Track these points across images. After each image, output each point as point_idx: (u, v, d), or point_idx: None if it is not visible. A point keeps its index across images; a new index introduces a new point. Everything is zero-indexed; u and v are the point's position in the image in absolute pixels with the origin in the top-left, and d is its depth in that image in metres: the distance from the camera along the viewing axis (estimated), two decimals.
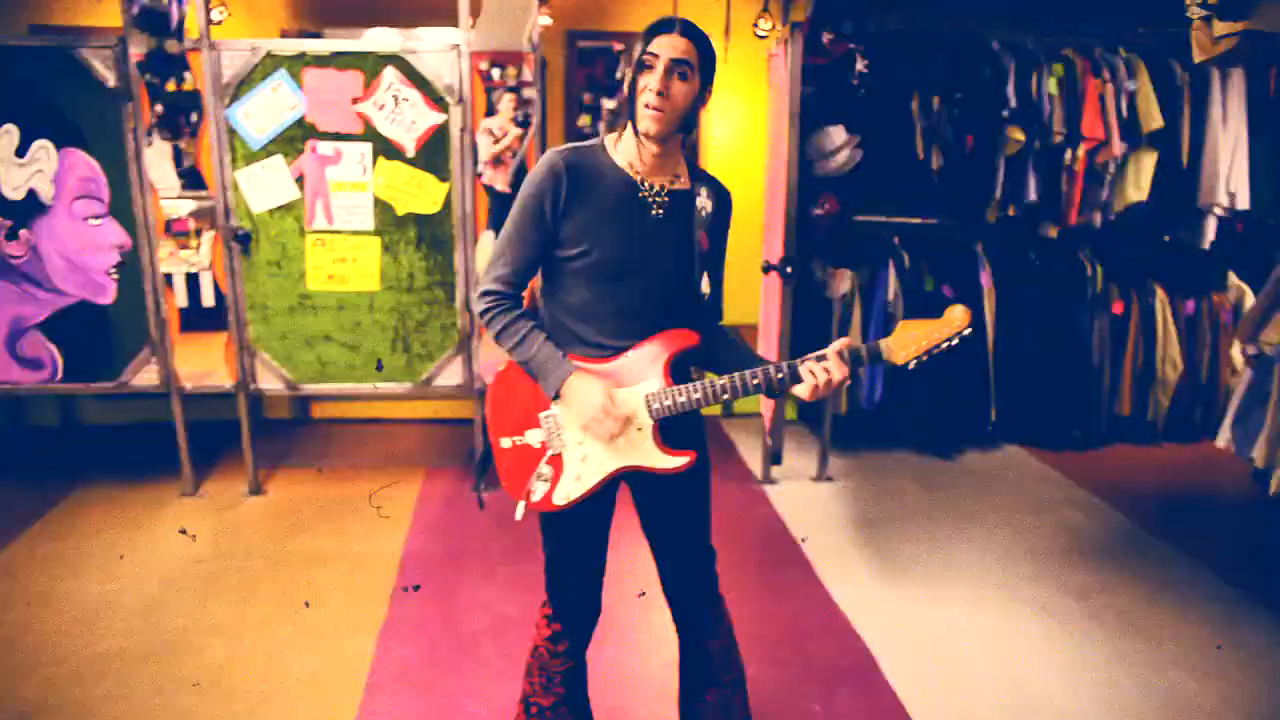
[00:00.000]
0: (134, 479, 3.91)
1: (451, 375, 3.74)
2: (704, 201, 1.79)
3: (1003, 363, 4.39)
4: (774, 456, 4.02)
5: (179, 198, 5.42)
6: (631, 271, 1.74)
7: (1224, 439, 3.32)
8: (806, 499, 3.91)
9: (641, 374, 1.74)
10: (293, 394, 3.66)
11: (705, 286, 1.81)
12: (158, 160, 5.63)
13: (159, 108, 5.74)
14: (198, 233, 4.81)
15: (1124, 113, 4.10)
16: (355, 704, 2.44)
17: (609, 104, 6.47)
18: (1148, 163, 4.20)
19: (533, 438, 1.78)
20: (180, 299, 4.85)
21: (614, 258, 1.72)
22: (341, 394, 3.70)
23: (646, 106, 1.65)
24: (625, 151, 1.75)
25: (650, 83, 1.64)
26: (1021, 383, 4.42)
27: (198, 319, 4.41)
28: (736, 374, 1.71)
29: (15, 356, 3.52)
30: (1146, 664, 2.69)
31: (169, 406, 3.68)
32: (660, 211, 1.75)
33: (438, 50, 3.45)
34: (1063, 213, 4.29)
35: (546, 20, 3.60)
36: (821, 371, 1.67)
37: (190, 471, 3.76)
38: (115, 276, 3.49)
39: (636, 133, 1.69)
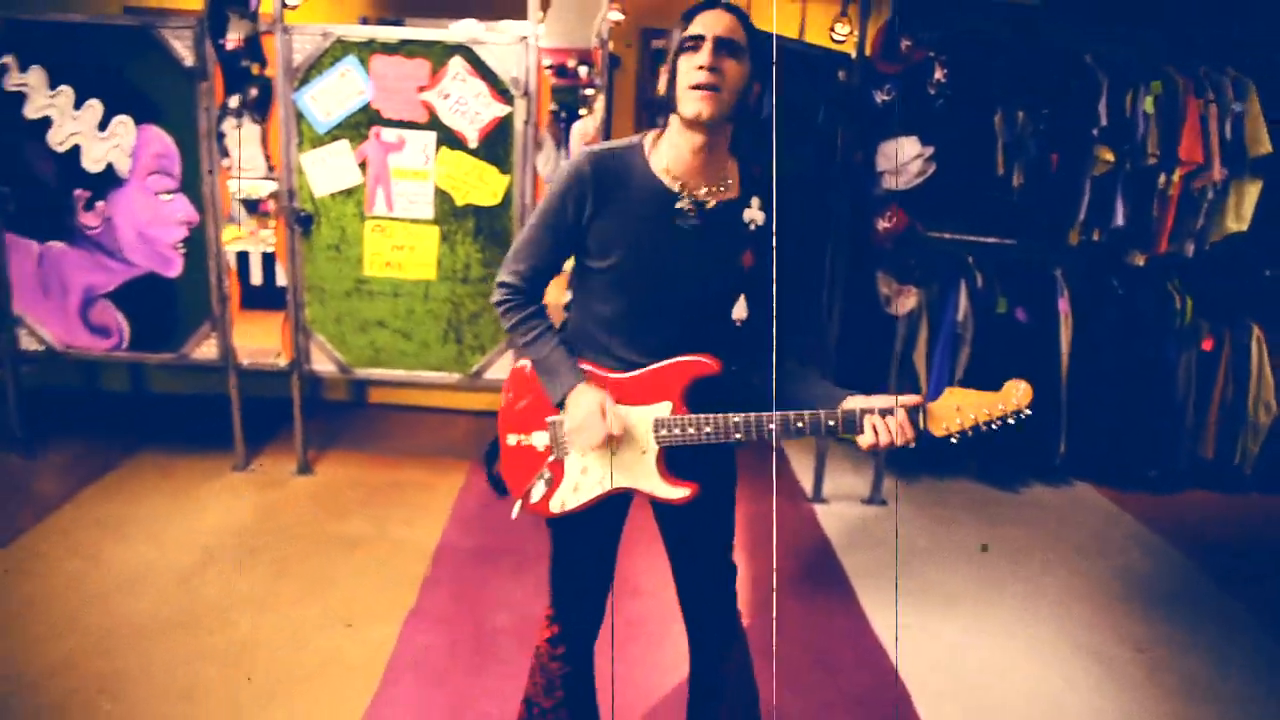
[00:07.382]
0: (191, 449, 4.01)
1: (501, 369, 3.72)
2: (754, 214, 1.65)
3: (1076, 393, 4.15)
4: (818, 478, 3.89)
5: (264, 178, 5.56)
6: (655, 285, 1.63)
7: None
8: (856, 521, 3.77)
9: (654, 395, 1.64)
10: (345, 376, 3.70)
11: (741, 310, 1.66)
12: (248, 142, 5.78)
13: (254, 91, 5.88)
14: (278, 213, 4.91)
15: (1227, 136, 3.83)
16: (371, 690, 2.44)
17: None
18: (1252, 191, 3.92)
19: (538, 439, 1.73)
20: (255, 277, 4.97)
21: (637, 269, 1.62)
22: (392, 380, 3.72)
23: (694, 88, 1.50)
24: (664, 154, 1.62)
25: (699, 61, 1.50)
26: (1095, 416, 4.18)
27: (272, 297, 4.47)
28: (755, 415, 1.58)
29: (86, 324, 3.64)
30: None
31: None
32: (693, 224, 1.61)
33: (505, 43, 3.44)
34: (1152, 240, 4.03)
35: (618, 15, 3.53)
36: (884, 430, 1.56)
37: (243, 446, 3.84)
38: (182, 251, 3.58)
39: (683, 123, 1.55)
